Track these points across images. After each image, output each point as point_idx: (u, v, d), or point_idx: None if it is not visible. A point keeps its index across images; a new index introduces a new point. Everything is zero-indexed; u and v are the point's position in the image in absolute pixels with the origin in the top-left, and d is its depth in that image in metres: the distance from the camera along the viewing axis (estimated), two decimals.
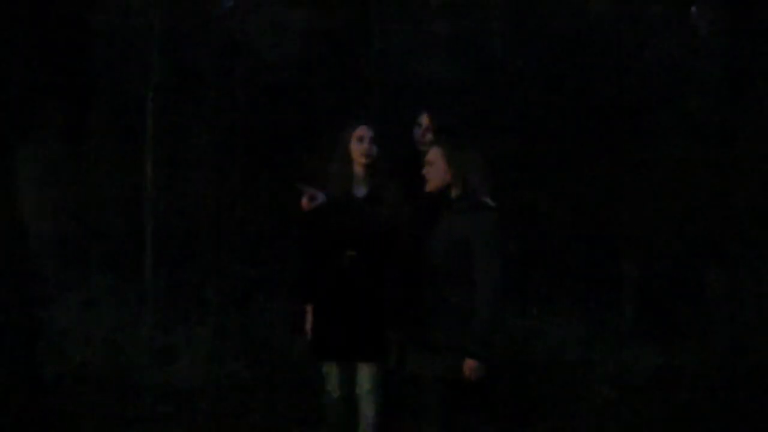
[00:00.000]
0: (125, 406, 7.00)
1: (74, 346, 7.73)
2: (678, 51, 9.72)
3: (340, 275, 5.58)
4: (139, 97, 9.15)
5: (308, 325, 5.70)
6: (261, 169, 9.39)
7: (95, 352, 7.66)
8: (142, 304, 8.39)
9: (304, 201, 5.55)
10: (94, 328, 7.98)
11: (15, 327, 6.28)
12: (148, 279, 8.73)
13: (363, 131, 5.73)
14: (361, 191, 5.74)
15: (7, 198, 6.35)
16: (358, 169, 5.73)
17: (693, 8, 9.94)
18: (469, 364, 5.12)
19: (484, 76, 9.82)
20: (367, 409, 5.56)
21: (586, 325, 8.65)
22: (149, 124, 8.97)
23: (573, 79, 9.70)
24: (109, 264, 8.93)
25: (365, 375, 5.55)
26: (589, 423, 7.10)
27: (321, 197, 5.57)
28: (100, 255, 9.03)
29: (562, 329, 8.64)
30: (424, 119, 6.19)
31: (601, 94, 9.68)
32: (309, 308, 5.72)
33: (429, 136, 6.10)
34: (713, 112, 9.59)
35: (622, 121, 9.60)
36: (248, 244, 9.23)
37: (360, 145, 5.71)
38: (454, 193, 5.35)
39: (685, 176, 9.43)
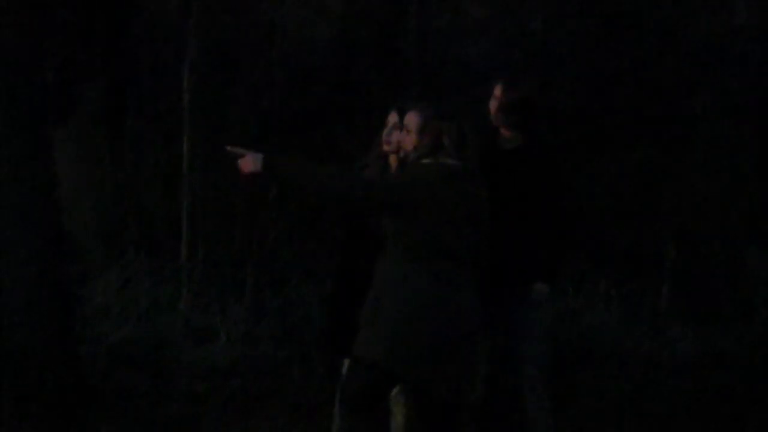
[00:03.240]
0: (161, 384, 7.02)
1: (111, 324, 7.77)
2: (718, 31, 9.61)
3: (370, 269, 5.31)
4: (176, 77, 9.16)
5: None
6: (298, 150, 9.38)
7: (131, 331, 7.70)
8: (179, 284, 8.41)
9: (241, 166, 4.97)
10: (130, 307, 8.02)
11: (52, 305, 6.32)
12: (185, 258, 8.75)
13: (391, 117, 5.45)
14: None
15: (46, 177, 6.37)
16: (392, 160, 5.46)
17: None
18: (251, 156, 4.82)
19: (524, 58, 9.77)
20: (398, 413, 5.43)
21: (623, 307, 8.60)
22: (186, 105, 8.98)
23: (613, 60, 9.63)
24: (146, 243, 8.96)
25: None
26: (625, 405, 7.06)
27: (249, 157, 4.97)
28: (137, 234, 9.07)
29: (598, 311, 8.61)
30: (497, 90, 5.76)
31: (641, 74, 9.61)
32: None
33: (500, 113, 5.72)
34: (753, 93, 9.49)
35: (662, 102, 9.53)
36: (285, 225, 9.24)
37: (392, 134, 5.43)
38: (413, 158, 5.03)
39: (725, 157, 9.34)
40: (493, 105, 5.75)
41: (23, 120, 6.20)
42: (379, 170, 5.48)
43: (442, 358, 4.80)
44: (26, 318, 6.19)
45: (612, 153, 9.59)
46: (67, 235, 6.83)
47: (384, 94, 8.97)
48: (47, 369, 6.20)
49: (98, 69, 9.02)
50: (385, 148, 5.44)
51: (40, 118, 6.33)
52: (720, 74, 9.54)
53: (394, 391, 5.34)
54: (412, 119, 5.00)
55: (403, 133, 5.07)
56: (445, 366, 4.81)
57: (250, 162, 4.80)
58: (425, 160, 4.91)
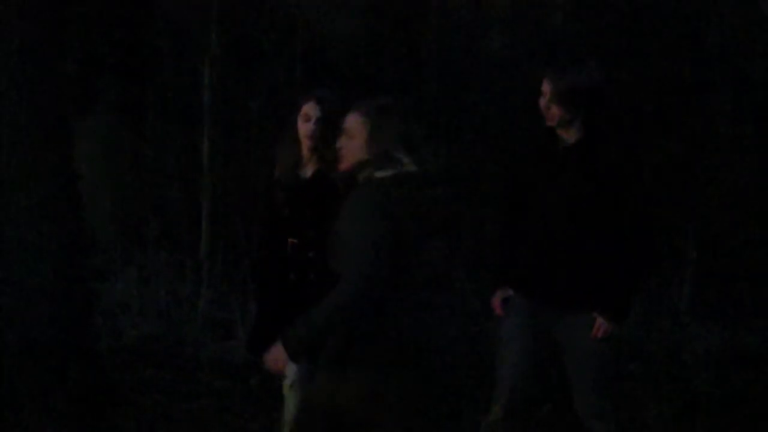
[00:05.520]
0: (181, 380, 7.01)
1: (131, 320, 7.77)
2: (742, 25, 9.54)
3: (282, 263, 5.02)
4: (197, 72, 9.16)
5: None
6: None
7: (151, 327, 7.69)
8: (199, 280, 8.40)
9: None
10: (150, 303, 8.01)
11: (72, 300, 6.31)
12: (205, 254, 8.74)
13: (309, 109, 5.00)
14: (307, 173, 5.08)
15: (66, 172, 6.36)
16: (306, 151, 5.06)
17: None
18: (274, 352, 4.01)
19: (543, 52, 9.71)
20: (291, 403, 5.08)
21: (643, 303, 8.54)
22: (207, 100, 8.98)
23: (635, 54, 9.56)
24: (166, 239, 8.96)
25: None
26: (645, 402, 7.01)
27: None
28: (157, 230, 9.06)
29: None
30: (546, 85, 4.88)
31: (664, 69, 9.53)
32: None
33: (554, 109, 4.86)
34: None
35: (683, 98, 9.46)
36: None
37: (305, 124, 4.99)
38: (367, 173, 4.11)
39: (748, 152, 9.28)
40: (542, 103, 4.90)
41: (43, 113, 6.19)
42: (293, 158, 5.08)
43: None
44: (45, 313, 6.17)
45: (635, 148, 9.53)
46: (86, 230, 6.81)
47: (404, 88, 8.95)
48: (66, 364, 6.19)
49: (119, 63, 9.02)
50: (306, 142, 5.03)
51: (60, 111, 6.31)
52: (744, 68, 9.47)
53: (291, 380, 5.03)
54: (355, 122, 4.13)
55: (344, 140, 4.15)
56: None
57: (276, 356, 4.03)
58: (380, 173, 4.07)
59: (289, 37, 9.36)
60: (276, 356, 3.98)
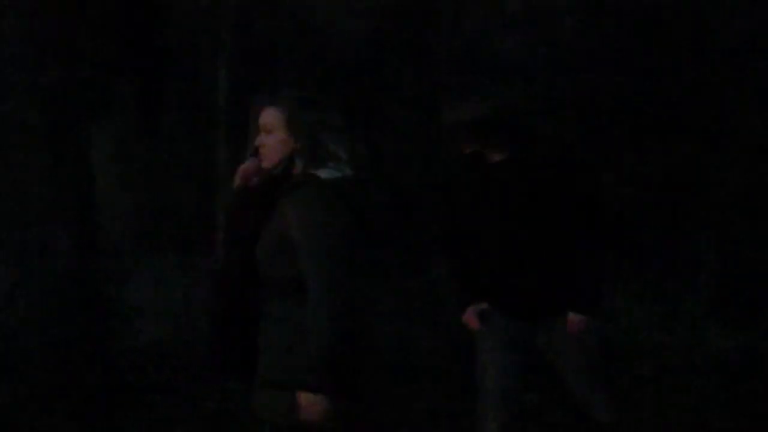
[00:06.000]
0: (195, 383, 7.01)
1: (145, 323, 7.77)
2: (759, 27, 9.50)
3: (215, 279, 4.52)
4: (211, 74, 9.15)
5: None
6: None
7: (166, 330, 7.69)
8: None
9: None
10: (165, 306, 8.01)
11: (87, 303, 6.31)
12: (219, 256, 8.73)
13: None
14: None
15: (80, 174, 6.37)
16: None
17: None
18: (301, 399, 3.70)
19: (557, 53, 9.67)
20: None
21: (662, 307, 8.52)
22: (222, 102, 8.97)
23: (649, 56, 9.52)
24: (180, 242, 8.96)
25: None
26: (662, 404, 6.99)
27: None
28: (171, 233, 9.06)
29: (636, 310, 8.53)
30: (461, 115, 4.85)
31: (678, 70, 9.50)
32: None
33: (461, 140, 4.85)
34: None
35: (699, 99, 9.42)
36: None
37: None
38: (297, 169, 3.84)
39: (765, 155, 9.23)
40: (458, 134, 4.88)
41: (58, 117, 6.20)
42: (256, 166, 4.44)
43: None
44: (57, 315, 6.18)
45: (650, 151, 9.49)
46: (100, 232, 6.82)
47: (415, 88, 8.93)
48: (82, 368, 6.20)
49: (133, 64, 9.03)
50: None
51: (75, 115, 6.32)
52: (759, 70, 9.43)
53: None
54: (272, 117, 3.87)
55: (263, 136, 3.88)
56: None
57: (309, 404, 3.73)
58: (323, 173, 3.81)
59: (302, 38, 9.35)
60: (309, 404, 3.71)
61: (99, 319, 6.39)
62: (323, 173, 3.79)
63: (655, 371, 7.59)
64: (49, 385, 6.11)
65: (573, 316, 4.87)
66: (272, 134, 3.85)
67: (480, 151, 4.94)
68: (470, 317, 5.05)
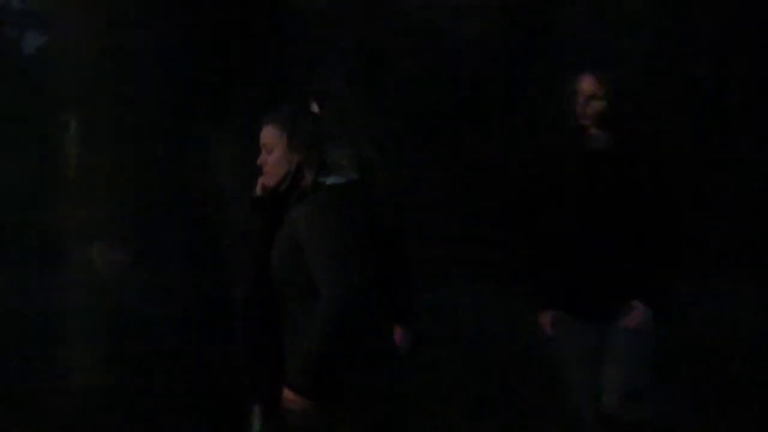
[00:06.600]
0: None
1: None
2: None
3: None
4: (327, 81, 9.22)
5: None
6: (449, 151, 9.37)
7: None
8: None
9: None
10: None
11: (203, 305, 6.40)
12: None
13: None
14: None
15: (202, 177, 6.48)
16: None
17: None
18: (286, 396, 3.79)
19: (672, 51, 9.55)
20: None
21: (736, 302, 8.35)
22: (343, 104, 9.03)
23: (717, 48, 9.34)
24: None
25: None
26: (735, 401, 6.82)
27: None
28: None
29: (713, 306, 8.37)
30: (586, 82, 4.93)
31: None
32: None
33: (595, 105, 4.91)
34: None
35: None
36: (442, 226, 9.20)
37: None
38: (306, 180, 3.95)
39: None
40: (579, 100, 4.93)
41: (179, 119, 6.31)
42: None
43: None
44: (179, 319, 6.27)
45: (744, 145, 9.30)
46: (222, 235, 6.92)
47: (532, 91, 8.90)
48: (212, 368, 6.27)
49: (251, 72, 9.16)
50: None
51: (195, 117, 6.42)
52: None
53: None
54: (271, 135, 4.01)
55: (264, 155, 4.02)
56: None
57: (290, 399, 3.84)
58: (328, 181, 3.94)
59: (416, 43, 9.38)
60: (290, 399, 3.81)
61: (221, 323, 6.48)
62: (329, 180, 3.90)
63: (744, 367, 7.44)
64: (190, 386, 6.18)
65: (638, 306, 4.87)
66: (273, 153, 4.00)
67: (584, 133, 4.95)
68: (545, 322, 5.10)
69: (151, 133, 6.40)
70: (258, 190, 4.14)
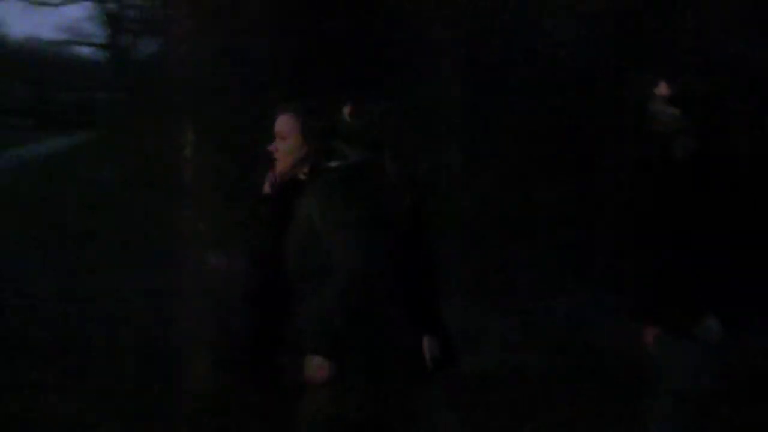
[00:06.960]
0: None
1: None
2: None
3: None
4: (443, 91, 9.20)
5: None
6: (566, 161, 9.23)
7: None
8: None
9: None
10: None
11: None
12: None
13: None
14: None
15: None
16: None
17: None
18: (307, 362, 4.03)
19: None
20: None
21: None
22: (456, 114, 9.00)
23: None
24: None
25: None
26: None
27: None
28: None
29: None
30: (663, 88, 4.80)
31: None
32: None
33: (671, 111, 4.73)
34: None
35: None
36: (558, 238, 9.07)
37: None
38: (315, 168, 4.20)
39: None
40: (657, 106, 4.80)
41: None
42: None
43: None
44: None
45: None
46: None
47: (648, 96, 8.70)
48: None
49: (368, 83, 9.20)
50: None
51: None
52: None
53: None
54: (286, 124, 4.19)
55: (278, 142, 4.19)
56: None
57: (318, 368, 4.08)
58: (333, 164, 4.16)
59: (531, 51, 9.26)
60: (310, 364, 4.03)
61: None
62: (333, 163, 4.12)
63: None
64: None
65: (709, 319, 4.75)
66: (286, 140, 4.16)
67: (667, 143, 4.79)
68: (649, 339, 4.98)
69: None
70: (268, 185, 4.27)
